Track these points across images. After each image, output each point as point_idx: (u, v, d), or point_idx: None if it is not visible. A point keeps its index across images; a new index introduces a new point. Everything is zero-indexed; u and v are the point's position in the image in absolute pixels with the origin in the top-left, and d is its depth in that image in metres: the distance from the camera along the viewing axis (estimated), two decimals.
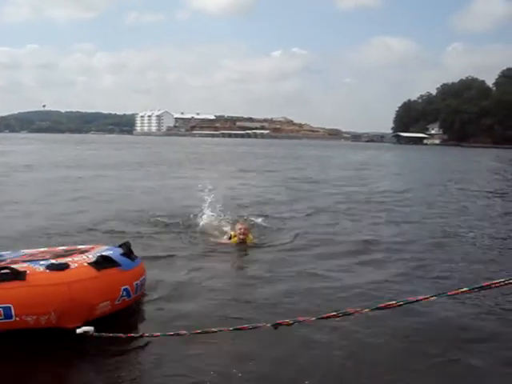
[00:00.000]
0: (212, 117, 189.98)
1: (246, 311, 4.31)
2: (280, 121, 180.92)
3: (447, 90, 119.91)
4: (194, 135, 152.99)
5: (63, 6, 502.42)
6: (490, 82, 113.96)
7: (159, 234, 7.50)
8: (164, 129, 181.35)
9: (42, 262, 3.74)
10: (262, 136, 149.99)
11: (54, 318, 3.52)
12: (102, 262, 3.82)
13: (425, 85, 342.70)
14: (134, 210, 9.36)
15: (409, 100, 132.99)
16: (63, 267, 3.64)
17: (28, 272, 3.55)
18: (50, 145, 50.75)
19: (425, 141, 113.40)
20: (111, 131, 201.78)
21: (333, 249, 6.89)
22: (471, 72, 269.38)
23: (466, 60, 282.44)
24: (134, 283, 4.02)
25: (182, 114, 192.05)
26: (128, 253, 4.15)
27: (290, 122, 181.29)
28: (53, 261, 3.78)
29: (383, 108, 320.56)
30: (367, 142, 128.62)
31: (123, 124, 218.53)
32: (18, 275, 3.49)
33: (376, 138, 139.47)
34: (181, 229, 7.82)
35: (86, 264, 3.77)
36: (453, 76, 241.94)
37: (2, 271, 3.52)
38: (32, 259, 3.87)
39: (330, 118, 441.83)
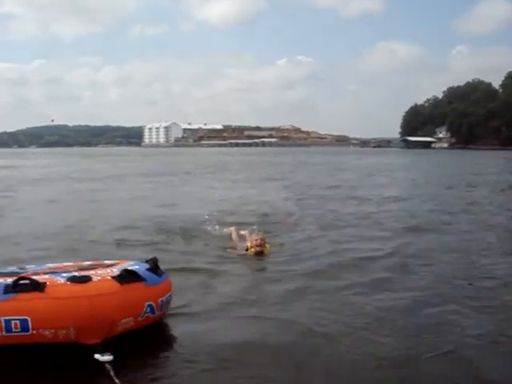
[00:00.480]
0: (219, 127, 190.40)
1: (286, 331, 4.06)
2: (287, 129, 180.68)
3: (454, 94, 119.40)
4: (202, 145, 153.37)
5: (69, 21, 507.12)
6: (496, 83, 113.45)
7: (173, 246, 7.35)
8: (172, 140, 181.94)
9: (63, 274, 3.60)
10: (270, 144, 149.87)
11: (73, 332, 3.37)
12: (126, 276, 3.63)
13: (431, 89, 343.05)
14: (148, 222, 9.26)
15: (415, 104, 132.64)
16: (85, 280, 3.48)
17: (48, 283, 3.41)
18: (61, 159, 51.20)
19: (433, 145, 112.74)
20: (119, 144, 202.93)
21: (356, 258, 6.59)
22: (477, 74, 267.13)
23: (472, 63, 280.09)
24: (159, 300, 3.80)
25: (190, 124, 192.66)
26: (154, 268, 3.94)
27: (298, 130, 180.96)
28: (75, 273, 3.64)
29: (390, 113, 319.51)
30: (375, 147, 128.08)
31: (131, 136, 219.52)
32: (37, 286, 3.35)
33: (384, 144, 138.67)
34: (197, 240, 7.67)
35: (109, 278, 3.60)
36: (459, 79, 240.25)
37: (21, 281, 3.39)
38: (54, 271, 3.75)
39: (338, 125, 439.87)
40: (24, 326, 3.28)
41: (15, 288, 3.35)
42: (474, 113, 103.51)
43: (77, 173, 25.64)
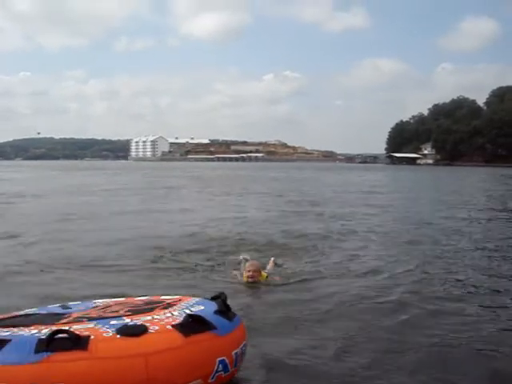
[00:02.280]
0: (206, 141, 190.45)
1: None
2: (274, 144, 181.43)
3: (439, 110, 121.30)
4: (189, 160, 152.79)
5: (54, 32, 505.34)
6: (480, 101, 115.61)
7: (165, 270, 6.53)
8: (159, 154, 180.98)
9: (112, 322, 2.76)
10: (257, 159, 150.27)
11: None
12: (191, 325, 2.78)
13: (416, 105, 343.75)
14: (142, 242, 8.45)
15: (401, 121, 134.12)
16: (139, 332, 2.65)
17: (92, 337, 2.55)
18: (49, 172, 50.00)
19: (418, 161, 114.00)
20: (106, 157, 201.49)
21: (354, 285, 5.86)
22: (462, 92, 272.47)
23: (457, 80, 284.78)
24: (233, 352, 2.90)
25: (177, 138, 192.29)
26: (224, 310, 3.05)
27: (285, 145, 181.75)
28: (127, 320, 2.80)
29: (375, 129, 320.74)
30: (361, 163, 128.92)
31: (118, 150, 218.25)
32: (78, 342, 2.51)
33: (369, 159, 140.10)
34: (192, 263, 6.91)
35: (169, 327, 2.74)
36: (444, 96, 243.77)
37: (59, 335, 2.53)
38: (101, 316, 2.91)
39: (324, 140, 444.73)
40: None
41: (50, 345, 2.50)
42: (458, 130, 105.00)
43: (68, 187, 24.83)
